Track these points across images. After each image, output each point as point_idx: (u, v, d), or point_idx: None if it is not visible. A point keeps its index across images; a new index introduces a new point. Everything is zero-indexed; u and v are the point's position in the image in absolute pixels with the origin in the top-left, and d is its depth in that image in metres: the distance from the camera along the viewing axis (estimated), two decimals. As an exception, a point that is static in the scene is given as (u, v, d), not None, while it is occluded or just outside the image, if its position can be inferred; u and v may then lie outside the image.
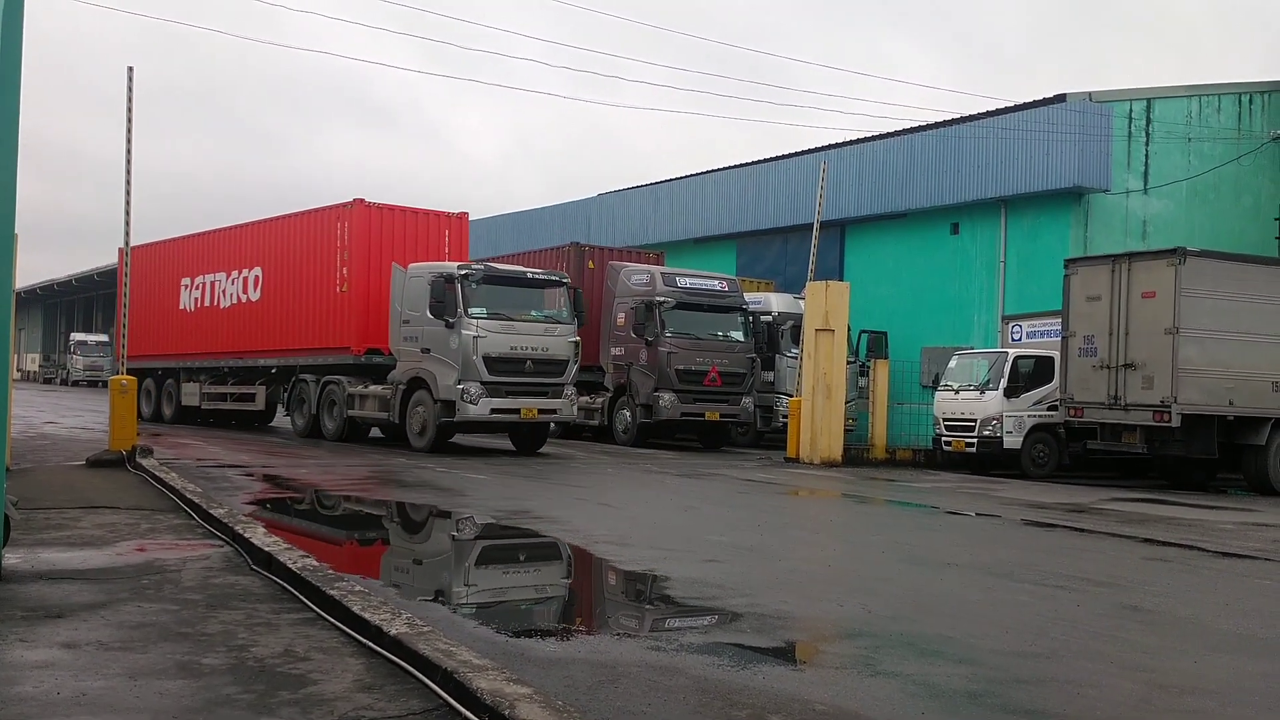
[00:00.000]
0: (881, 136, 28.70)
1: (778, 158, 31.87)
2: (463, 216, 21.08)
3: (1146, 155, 25.19)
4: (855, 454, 21.22)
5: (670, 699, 4.83)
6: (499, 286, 18.29)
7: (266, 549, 7.48)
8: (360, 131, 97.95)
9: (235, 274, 23.35)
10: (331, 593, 6.15)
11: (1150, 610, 7.28)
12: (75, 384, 52.51)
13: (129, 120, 15.29)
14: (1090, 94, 24.55)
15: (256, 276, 22.70)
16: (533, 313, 18.52)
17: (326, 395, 20.63)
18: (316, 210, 21.19)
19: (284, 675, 4.90)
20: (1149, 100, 25.33)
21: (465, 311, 17.72)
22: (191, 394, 24.42)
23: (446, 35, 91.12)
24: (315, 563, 7.02)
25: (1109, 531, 11.74)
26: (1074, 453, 19.64)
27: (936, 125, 27.32)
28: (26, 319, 67.94)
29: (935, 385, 21.41)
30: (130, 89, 15.29)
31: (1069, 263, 19.26)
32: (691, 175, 34.66)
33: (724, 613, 6.69)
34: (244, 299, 23.03)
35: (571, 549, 9.24)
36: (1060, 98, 24.58)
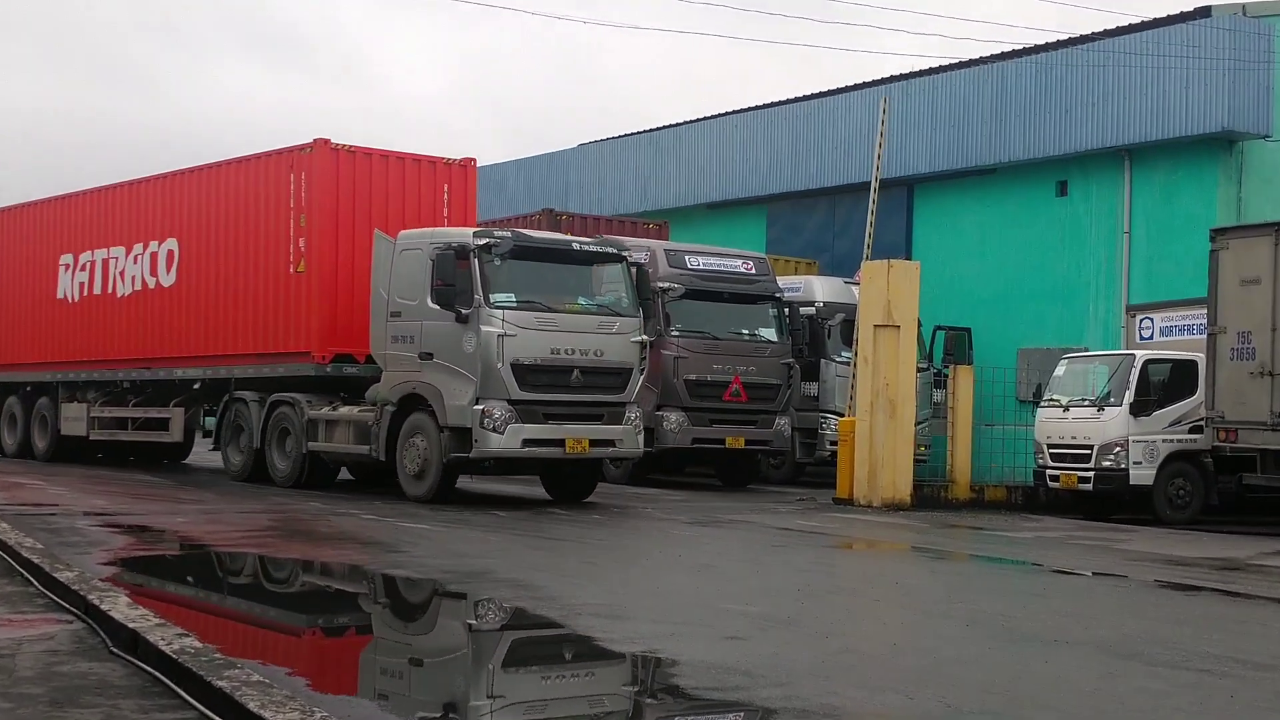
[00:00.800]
0: (961, 65, 28.72)
1: (822, 94, 31.90)
2: (468, 164, 20.51)
3: (1320, 88, 25.19)
4: (929, 493, 21.23)
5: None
6: (534, 263, 17.44)
7: (131, 625, 7.46)
8: (255, 62, 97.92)
9: (139, 249, 22.46)
10: (220, 684, 6.13)
11: (1330, 702, 7.28)
12: None
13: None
14: (1244, 6, 24.58)
15: (170, 252, 21.79)
16: (580, 300, 17.68)
17: (276, 421, 19.66)
18: (258, 156, 20.39)
19: (155, 796, 4.88)
20: (1323, 14, 25.34)
21: (486, 299, 16.69)
22: (75, 419, 23.52)
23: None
24: (197, 643, 7.00)
25: (1273, 596, 11.72)
26: (1225, 490, 19.62)
27: (1036, 49, 27.35)
28: None
29: (1037, 400, 21.41)
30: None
31: (1216, 233, 19.25)
32: (705, 119, 34.69)
33: (752, 709, 6.67)
34: (151, 284, 22.16)
35: (544, 624, 9.21)
36: (1204, 11, 24.60)
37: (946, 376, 23.15)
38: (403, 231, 18.27)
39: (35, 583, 9.58)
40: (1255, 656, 8.57)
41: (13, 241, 25.66)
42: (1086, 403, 20.13)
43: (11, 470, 21.75)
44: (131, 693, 6.44)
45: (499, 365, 16.61)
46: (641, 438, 18.24)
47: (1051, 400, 20.67)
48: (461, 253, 16.87)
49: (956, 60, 28.95)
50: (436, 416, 17.01)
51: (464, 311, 16.68)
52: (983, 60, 28.41)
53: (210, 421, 21.59)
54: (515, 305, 16.89)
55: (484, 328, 16.62)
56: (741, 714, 6.64)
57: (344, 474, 20.77)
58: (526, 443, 16.80)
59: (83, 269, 23.87)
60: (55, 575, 9.40)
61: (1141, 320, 22.36)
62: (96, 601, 8.26)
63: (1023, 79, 27.00)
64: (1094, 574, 13.27)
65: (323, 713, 5.67)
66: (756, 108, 33.32)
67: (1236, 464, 18.96)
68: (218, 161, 21.32)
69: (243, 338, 20.33)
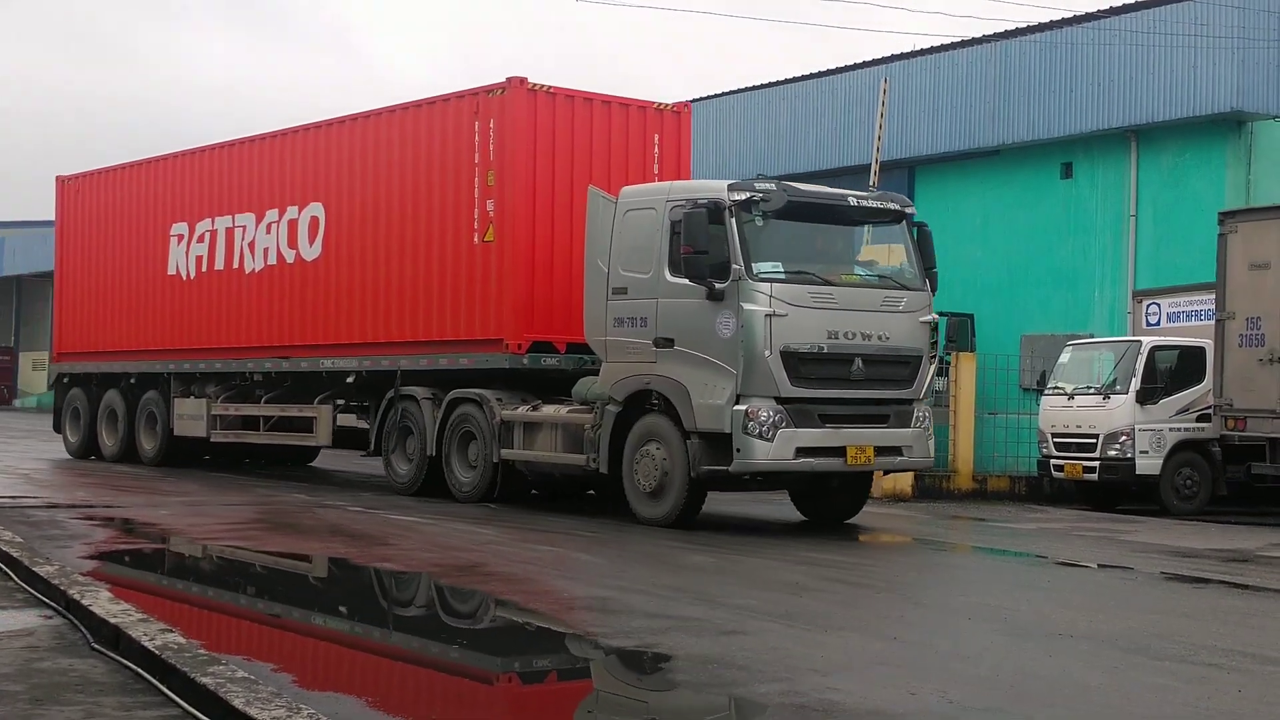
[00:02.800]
0: (964, 44, 28.70)
1: (821, 74, 31.86)
2: (681, 111, 18.18)
3: (1332, 67, 25.18)
4: (930, 484, 21.26)
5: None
6: (800, 223, 14.69)
7: (113, 620, 7.48)
8: (236, 37, 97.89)
9: (273, 215, 19.90)
10: (204, 681, 6.14)
11: (1340, 697, 7.31)
12: None
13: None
14: (1254, -18, 24.55)
15: (313, 219, 19.17)
16: (858, 271, 15.14)
17: (456, 424, 16.77)
18: (430, 101, 17.85)
19: (138, 795, 4.89)
20: (1335, -10, 25.31)
21: (748, 269, 13.76)
22: (192, 417, 20.82)
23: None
24: (181, 639, 7.03)
25: (1282, 588, 11.77)
26: (1234, 480, 19.64)
27: (1040, 27, 27.32)
28: None
29: (1041, 388, 21.43)
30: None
31: (1225, 216, 19.24)
32: (701, 99, 34.61)
33: (747, 704, 6.68)
34: (289, 257, 19.56)
35: (535, 617, 9.24)
36: (1212, -13, 24.58)
37: (948, 364, 23.16)
38: (626, 187, 15.61)
39: (14, 577, 9.58)
40: (1264, 650, 8.59)
41: (113, 208, 23.31)
42: (1092, 390, 20.14)
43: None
44: (113, 690, 6.45)
45: (766, 354, 13.68)
46: (932, 443, 15.41)
47: (1056, 388, 20.69)
48: (715, 210, 13.86)
49: (959, 39, 28.95)
50: (680, 419, 14.04)
51: (719, 286, 13.77)
52: (986, 39, 28.37)
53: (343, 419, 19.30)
54: (784, 277, 14.03)
55: (746, 305, 13.69)
56: (738, 710, 6.65)
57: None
58: (800, 452, 13.85)
59: (200, 240, 21.31)
60: (35, 569, 9.40)
61: (1148, 306, 22.37)
62: (77, 596, 8.27)
63: (1027, 58, 26.96)
64: (1099, 566, 13.32)
65: (309, 710, 5.68)
66: (753, 88, 33.25)
67: (1245, 453, 18.98)
68: (375, 109, 18.79)
69: (410, 322, 17.73)
